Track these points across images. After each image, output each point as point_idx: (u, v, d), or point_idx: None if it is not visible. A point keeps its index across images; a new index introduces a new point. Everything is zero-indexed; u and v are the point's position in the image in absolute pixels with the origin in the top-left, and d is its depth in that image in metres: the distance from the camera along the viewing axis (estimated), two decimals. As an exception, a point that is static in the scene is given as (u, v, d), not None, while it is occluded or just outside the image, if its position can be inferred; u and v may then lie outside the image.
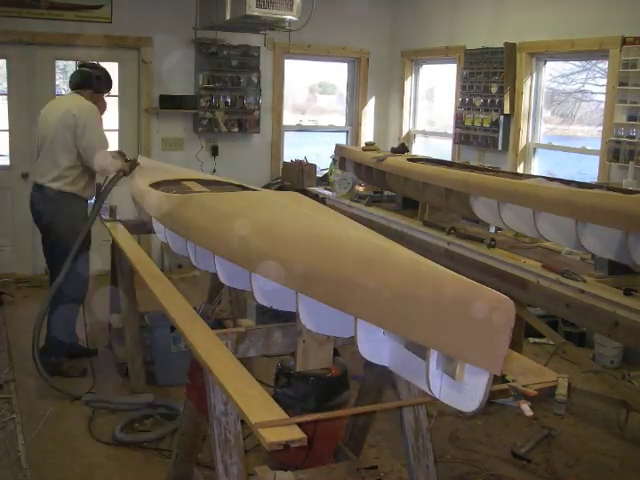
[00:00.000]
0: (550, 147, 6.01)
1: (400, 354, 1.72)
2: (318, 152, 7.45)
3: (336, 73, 8.01)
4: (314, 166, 6.86)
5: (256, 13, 5.31)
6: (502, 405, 3.93)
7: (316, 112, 8.49)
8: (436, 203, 4.36)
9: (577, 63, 5.91)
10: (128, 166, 4.16)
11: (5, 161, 6.41)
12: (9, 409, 3.85)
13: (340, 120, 8.03)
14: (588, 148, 5.60)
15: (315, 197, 5.27)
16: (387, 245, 1.85)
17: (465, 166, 4.67)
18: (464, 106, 6.43)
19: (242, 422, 2.03)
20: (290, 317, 2.19)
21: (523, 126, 5.93)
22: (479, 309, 1.39)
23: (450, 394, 1.54)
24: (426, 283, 1.53)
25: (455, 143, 6.67)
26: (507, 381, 1.94)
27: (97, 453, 3.48)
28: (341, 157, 5.65)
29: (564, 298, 3.16)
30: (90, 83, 4.32)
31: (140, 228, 4.19)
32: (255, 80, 6.99)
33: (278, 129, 7.40)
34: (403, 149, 5.31)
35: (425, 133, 7.63)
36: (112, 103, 6.66)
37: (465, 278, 1.49)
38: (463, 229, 4.21)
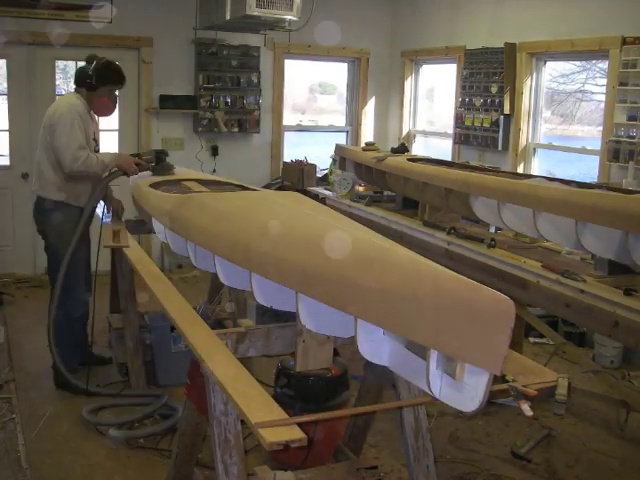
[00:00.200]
0: (550, 147, 6.01)
1: (400, 354, 1.72)
2: (318, 152, 7.45)
3: (336, 73, 8.01)
4: (314, 166, 6.86)
5: (256, 13, 5.31)
6: (502, 405, 3.93)
7: (316, 112, 8.49)
8: (436, 203, 4.36)
9: (577, 63, 5.91)
10: (141, 161, 4.00)
11: (5, 161, 6.41)
12: (9, 409, 3.85)
13: (340, 120, 8.03)
14: (588, 148, 5.60)
15: (315, 197, 5.26)
16: (387, 245, 1.85)
17: (465, 166, 4.67)
18: (464, 106, 6.43)
19: (242, 422, 2.03)
20: (290, 317, 2.19)
21: (523, 126, 5.93)
22: (479, 309, 1.39)
23: (450, 394, 1.54)
24: (426, 283, 1.53)
25: (455, 143, 6.67)
26: (507, 381, 1.94)
27: (97, 453, 3.48)
28: (341, 157, 5.65)
29: (564, 298, 3.16)
30: (82, 81, 4.08)
31: (140, 228, 4.20)
32: (255, 80, 6.99)
33: (278, 129, 7.40)
34: (403, 149, 5.30)
35: (425, 133, 7.63)
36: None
37: (465, 278, 1.49)
38: (463, 229, 4.21)
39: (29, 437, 3.56)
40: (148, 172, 4.03)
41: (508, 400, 2.32)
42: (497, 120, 6.01)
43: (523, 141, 5.95)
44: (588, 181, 4.58)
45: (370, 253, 1.74)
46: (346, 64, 7.78)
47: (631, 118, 4.86)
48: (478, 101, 6.23)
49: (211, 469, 2.32)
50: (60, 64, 6.57)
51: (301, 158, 7.02)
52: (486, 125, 6.13)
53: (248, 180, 4.25)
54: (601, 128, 5.23)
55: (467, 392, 1.48)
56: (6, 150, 6.38)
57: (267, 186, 6.99)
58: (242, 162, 7.08)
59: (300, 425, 1.70)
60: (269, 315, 2.52)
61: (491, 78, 6.07)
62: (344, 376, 2.35)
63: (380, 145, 6.02)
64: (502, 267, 3.53)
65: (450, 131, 6.81)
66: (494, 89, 6.03)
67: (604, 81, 5.24)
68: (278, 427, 1.67)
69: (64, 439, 3.60)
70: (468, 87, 6.37)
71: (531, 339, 5.11)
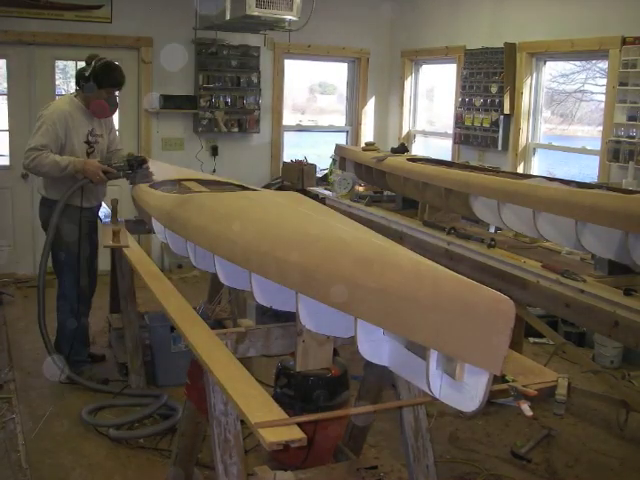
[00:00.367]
0: (550, 147, 6.01)
1: (400, 354, 1.72)
2: (318, 152, 7.46)
3: (336, 73, 8.01)
4: (314, 166, 6.86)
5: (256, 13, 5.31)
6: (502, 405, 3.93)
7: (316, 112, 8.49)
8: (436, 203, 4.36)
9: (577, 63, 5.91)
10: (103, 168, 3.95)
11: (5, 161, 6.41)
12: (9, 409, 3.85)
13: (340, 120, 8.03)
14: (588, 148, 5.60)
15: (315, 197, 5.26)
16: (387, 245, 1.85)
17: (465, 166, 4.67)
18: (464, 106, 6.43)
19: (242, 422, 2.03)
20: (290, 317, 2.19)
21: (523, 126, 5.93)
22: (479, 309, 1.39)
23: (450, 394, 1.54)
24: (426, 283, 1.53)
25: (455, 143, 6.67)
26: (507, 381, 1.94)
27: (97, 453, 3.48)
28: (341, 157, 5.65)
29: (564, 298, 3.16)
30: (80, 82, 4.06)
31: (140, 228, 4.19)
32: (255, 80, 6.99)
33: (278, 129, 7.40)
34: (403, 149, 5.30)
35: (425, 133, 7.63)
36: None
37: (465, 278, 1.49)
38: (463, 229, 4.21)
39: (29, 437, 3.56)
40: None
41: (508, 400, 2.32)
42: (497, 120, 6.01)
43: (523, 141, 5.95)
44: (588, 181, 4.58)
45: (370, 253, 1.74)
46: (346, 64, 7.78)
47: (631, 118, 4.86)
48: (478, 101, 6.23)
49: (211, 469, 2.32)
50: (60, 64, 6.57)
51: (301, 158, 7.03)
52: (486, 125, 6.13)
53: (248, 180, 4.25)
54: (601, 128, 5.23)
55: (467, 392, 1.48)
56: (6, 150, 6.38)
57: (267, 186, 6.99)
58: (242, 162, 7.08)
59: (300, 425, 1.70)
60: (269, 315, 2.52)
61: (491, 78, 6.07)
62: (344, 376, 2.35)
63: (380, 145, 6.02)
64: (502, 267, 3.53)
65: (450, 131, 6.81)
66: (494, 89, 6.03)
67: (604, 81, 5.24)
68: (278, 427, 1.67)
69: (64, 439, 3.60)
70: (468, 87, 6.37)
71: (531, 339, 5.11)
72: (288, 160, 7.20)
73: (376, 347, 1.76)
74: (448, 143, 6.88)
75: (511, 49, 5.86)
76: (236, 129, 6.98)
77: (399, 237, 4.34)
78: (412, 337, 1.55)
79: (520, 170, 5.81)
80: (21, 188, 6.31)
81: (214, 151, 7.00)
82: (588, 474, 3.44)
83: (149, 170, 3.97)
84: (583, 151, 5.72)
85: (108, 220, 4.20)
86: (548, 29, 5.54)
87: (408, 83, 7.51)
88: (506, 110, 5.93)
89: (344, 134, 7.88)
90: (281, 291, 2.00)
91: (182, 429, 2.67)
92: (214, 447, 2.09)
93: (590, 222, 3.09)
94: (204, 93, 6.78)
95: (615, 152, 4.90)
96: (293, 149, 7.57)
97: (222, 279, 2.43)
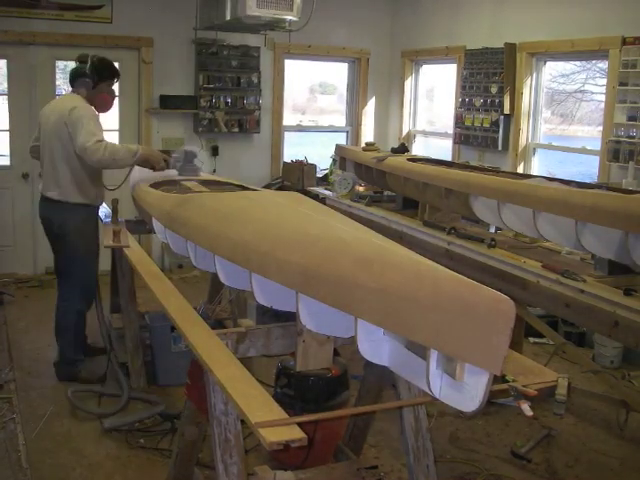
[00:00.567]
0: (550, 147, 6.01)
1: (400, 354, 1.72)
2: (318, 152, 7.45)
3: (336, 73, 8.01)
4: (314, 166, 6.86)
5: (256, 13, 5.32)
6: (502, 405, 3.93)
7: (316, 112, 8.49)
8: (436, 203, 4.36)
9: (577, 63, 5.91)
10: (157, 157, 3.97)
11: (5, 161, 6.41)
12: (9, 409, 3.85)
13: (340, 120, 8.03)
14: (588, 148, 5.60)
15: (315, 197, 5.26)
16: (387, 245, 1.85)
17: (465, 166, 4.67)
18: (464, 106, 6.43)
19: (242, 422, 2.03)
20: (290, 317, 2.19)
21: (523, 126, 5.93)
22: (479, 309, 1.39)
23: (450, 394, 1.54)
24: (426, 283, 1.53)
25: (455, 143, 6.67)
26: (507, 381, 1.95)
27: (97, 453, 3.48)
28: (341, 157, 5.65)
29: (564, 298, 3.16)
30: (81, 81, 4.06)
31: (140, 228, 4.20)
32: (255, 80, 6.99)
33: (278, 129, 7.40)
34: (403, 149, 5.30)
35: (425, 133, 7.63)
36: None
37: (465, 278, 1.49)
38: (463, 229, 4.21)
39: (29, 437, 3.56)
40: (174, 171, 4.02)
41: (508, 400, 2.33)
42: (497, 120, 6.01)
43: (523, 141, 5.95)
44: (588, 181, 4.58)
45: (370, 253, 1.74)
46: (346, 64, 7.78)
47: (631, 118, 4.86)
48: (478, 101, 6.23)
49: (211, 469, 2.32)
50: (60, 64, 6.56)
51: (301, 158, 7.02)
52: (486, 125, 6.13)
53: (248, 180, 4.26)
54: (601, 128, 5.23)
55: (467, 392, 1.48)
56: (6, 150, 6.38)
57: (267, 186, 6.99)
58: (242, 162, 7.09)
59: (300, 425, 1.70)
60: (269, 315, 2.52)
61: (491, 78, 6.07)
62: (344, 376, 2.35)
63: (380, 145, 6.02)
64: (502, 267, 3.53)
65: (450, 131, 6.81)
66: (494, 89, 6.03)
67: (604, 81, 5.24)
68: (278, 427, 1.67)
69: (64, 439, 3.60)
70: (468, 87, 6.37)
71: (531, 339, 5.11)
72: (288, 160, 7.20)
73: (376, 347, 1.76)
74: (448, 143, 6.88)
75: (511, 49, 5.86)
76: (236, 129, 6.98)
77: (399, 237, 4.34)
78: (412, 337, 1.55)
79: (520, 170, 5.81)
80: (21, 188, 6.31)
81: (214, 151, 7.00)
82: (588, 474, 3.44)
83: (198, 167, 4.04)
84: (583, 151, 5.72)
85: (108, 220, 4.21)
86: (548, 29, 5.54)
87: (408, 83, 7.50)
88: (506, 110, 5.93)
89: (344, 134, 7.88)
90: (281, 291, 2.00)
91: (182, 429, 2.67)
92: (214, 447, 2.09)
93: (590, 222, 3.09)
94: (204, 93, 6.78)
95: (615, 152, 4.90)
96: (293, 149, 7.57)
97: (222, 279, 2.43)
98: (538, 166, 5.97)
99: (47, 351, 4.60)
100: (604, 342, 4.74)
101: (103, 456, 3.46)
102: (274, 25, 5.82)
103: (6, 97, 6.31)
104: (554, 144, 6.02)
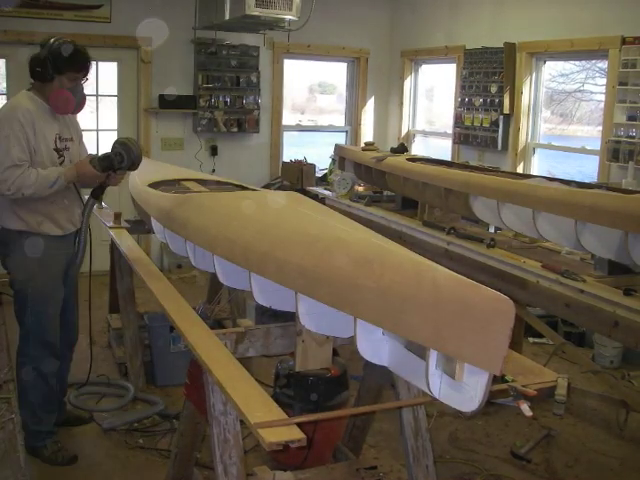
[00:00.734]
0: (550, 147, 6.01)
1: (400, 354, 1.72)
2: (318, 152, 7.45)
3: (335, 73, 8.01)
4: (313, 166, 6.86)
5: (255, 13, 5.32)
6: (502, 405, 3.93)
7: (315, 112, 8.48)
8: (436, 203, 4.35)
9: (576, 63, 5.91)
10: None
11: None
12: (8, 409, 3.83)
13: (339, 120, 8.02)
14: (588, 148, 5.60)
15: (314, 197, 5.26)
16: (387, 245, 1.84)
17: (465, 166, 4.67)
18: (464, 106, 6.43)
19: (241, 422, 2.02)
20: (289, 317, 2.19)
21: (523, 126, 5.93)
22: (479, 309, 1.39)
23: (450, 394, 1.53)
24: (425, 283, 1.52)
25: (455, 143, 6.67)
26: (507, 381, 1.94)
27: (97, 453, 3.48)
28: (340, 157, 5.65)
29: (564, 298, 3.16)
30: (36, 72, 3.21)
31: (139, 228, 4.19)
32: (254, 80, 6.99)
33: (277, 129, 7.40)
34: (403, 149, 5.30)
35: (425, 133, 7.63)
36: (111, 103, 6.70)
37: (465, 278, 1.49)
38: (463, 229, 4.21)
39: (28, 437, 3.55)
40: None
41: (508, 400, 2.32)
42: (497, 120, 6.01)
43: (523, 141, 5.95)
44: (588, 181, 4.58)
45: (370, 253, 1.73)
46: (345, 64, 7.78)
47: (631, 118, 4.86)
48: (478, 101, 6.23)
49: (211, 469, 2.32)
50: (59, 64, 6.56)
51: (300, 158, 7.02)
52: (486, 125, 6.13)
53: (248, 180, 4.25)
54: (601, 128, 5.23)
55: (467, 392, 1.48)
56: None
57: (267, 186, 6.98)
58: (241, 162, 7.08)
59: (300, 425, 1.70)
60: (268, 315, 2.51)
61: (491, 78, 6.07)
62: (344, 376, 2.35)
63: (380, 145, 6.03)
64: (502, 267, 3.53)
65: (450, 131, 6.81)
66: (494, 89, 6.03)
67: (604, 81, 5.24)
68: (277, 427, 1.67)
69: (63, 439, 3.59)
70: (468, 87, 6.37)
71: (531, 339, 5.11)
72: (287, 160, 7.19)
73: (376, 347, 1.75)
74: (448, 143, 6.88)
75: (511, 49, 5.86)
76: (235, 129, 6.98)
77: (399, 237, 4.34)
78: (411, 337, 1.55)
79: (520, 170, 5.81)
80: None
81: (213, 151, 7.00)
82: (588, 474, 3.44)
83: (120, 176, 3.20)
84: (583, 151, 5.72)
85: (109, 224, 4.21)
86: (548, 29, 5.54)
87: (408, 83, 7.50)
88: (506, 110, 5.93)
89: (344, 134, 7.88)
90: (280, 291, 2.00)
91: (181, 429, 2.67)
92: (213, 447, 2.09)
93: (590, 222, 3.09)
94: (203, 93, 6.78)
95: (615, 152, 4.90)
96: (292, 149, 7.57)
97: (221, 279, 2.43)
98: (538, 166, 5.97)
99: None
100: (604, 342, 4.74)
101: (103, 456, 3.46)
102: (273, 25, 5.83)
103: (5, 97, 6.30)
104: (554, 144, 6.02)
